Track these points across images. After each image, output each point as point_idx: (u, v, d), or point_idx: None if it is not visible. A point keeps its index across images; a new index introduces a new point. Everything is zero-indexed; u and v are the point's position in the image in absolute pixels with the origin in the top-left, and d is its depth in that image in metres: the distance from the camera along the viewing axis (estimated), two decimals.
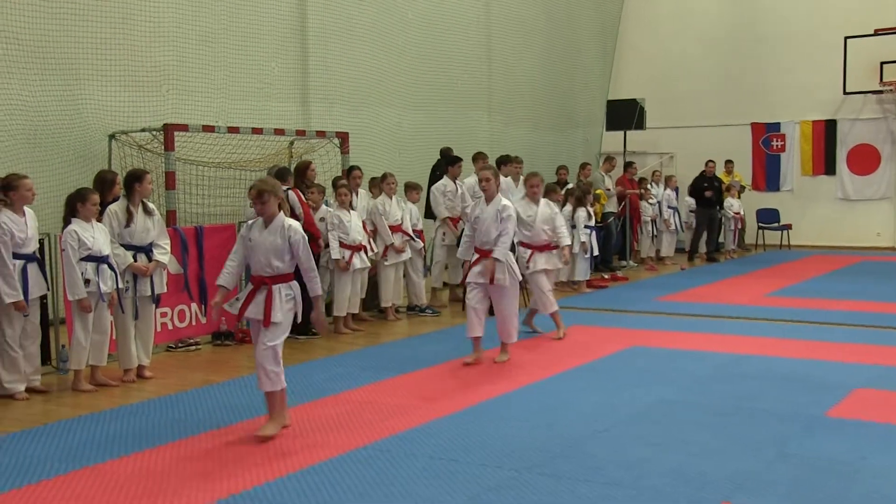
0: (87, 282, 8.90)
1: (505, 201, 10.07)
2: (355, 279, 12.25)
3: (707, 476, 6.14)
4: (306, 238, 7.41)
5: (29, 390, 8.91)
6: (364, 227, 12.56)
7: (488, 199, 10.02)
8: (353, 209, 12.38)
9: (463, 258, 10.46)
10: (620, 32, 26.11)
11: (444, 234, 14.35)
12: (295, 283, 7.43)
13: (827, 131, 23.85)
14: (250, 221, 7.54)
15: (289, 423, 7.42)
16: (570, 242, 12.32)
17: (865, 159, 23.51)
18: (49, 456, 6.89)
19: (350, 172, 13.42)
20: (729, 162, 23.14)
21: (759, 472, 6.26)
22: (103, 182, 9.81)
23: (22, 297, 8.68)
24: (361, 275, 12.53)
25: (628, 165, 20.46)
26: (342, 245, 11.97)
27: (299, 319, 7.59)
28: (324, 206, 12.32)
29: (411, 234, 13.32)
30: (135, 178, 9.55)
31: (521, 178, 16.13)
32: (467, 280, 10.18)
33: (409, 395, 8.56)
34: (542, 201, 11.62)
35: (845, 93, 22.96)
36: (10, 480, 6.32)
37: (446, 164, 15.07)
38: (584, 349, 10.67)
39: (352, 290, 12.23)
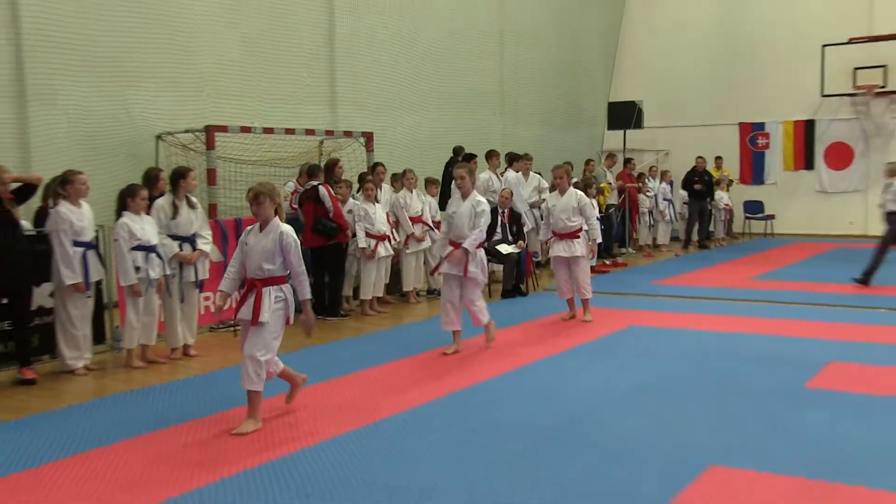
0: (137, 269, 8.97)
1: (479, 197, 9.66)
2: (380, 266, 12.28)
3: (698, 444, 6.14)
4: (299, 243, 6.97)
5: (85, 368, 8.97)
6: (387, 218, 12.57)
7: (464, 196, 9.57)
8: (377, 202, 12.38)
9: (439, 254, 10.04)
10: (621, 40, 26.01)
11: None
12: (287, 286, 7.00)
13: (806, 130, 23.83)
14: (248, 227, 7.15)
15: (260, 425, 6.85)
16: (599, 238, 11.75)
17: (840, 156, 23.51)
18: (105, 427, 6.91)
19: (374, 169, 13.42)
20: (718, 158, 23.11)
21: (744, 438, 6.27)
22: (150, 178, 9.84)
23: (81, 280, 8.74)
24: (385, 262, 12.53)
25: (627, 161, 20.46)
26: (368, 235, 11.99)
27: (290, 321, 7.06)
28: (351, 200, 12.31)
29: (430, 224, 13.28)
30: (180, 175, 9.60)
31: (531, 173, 16.21)
32: (440, 271, 9.83)
33: (427, 371, 8.56)
34: (570, 192, 11.24)
35: (823, 95, 22.96)
36: (71, 447, 6.37)
37: (463, 160, 15.07)
38: (587, 328, 10.69)
39: (377, 275, 12.25)
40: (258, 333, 6.79)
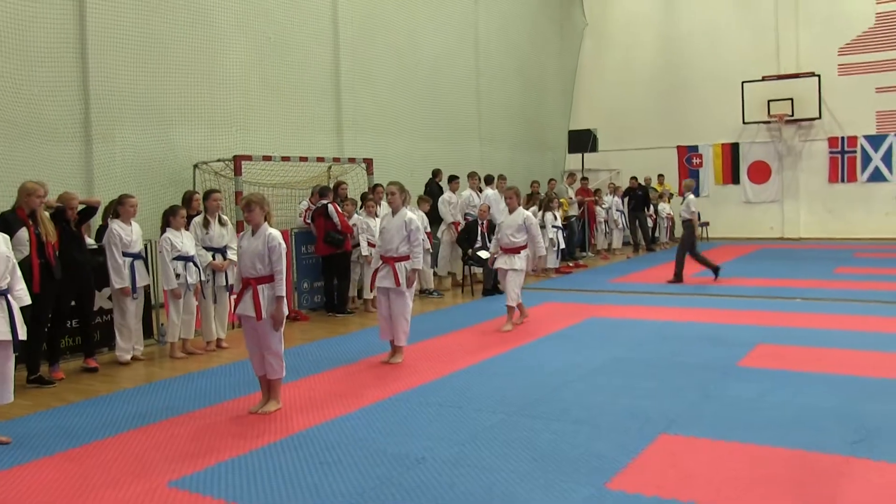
0: (177, 276, 9.05)
1: (410, 214, 8.62)
2: None
3: (649, 414, 6.17)
4: (283, 246, 6.66)
5: (133, 358, 9.02)
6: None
7: (394, 212, 8.58)
8: (377, 216, 12.37)
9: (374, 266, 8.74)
10: (577, 79, 26.07)
11: (445, 233, 14.44)
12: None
13: (732, 151, 23.98)
14: (241, 233, 6.92)
15: (281, 405, 6.72)
16: (544, 252, 11.16)
17: (760, 172, 23.72)
18: (155, 407, 6.95)
19: (374, 189, 13.45)
20: (661, 175, 23.28)
21: (687, 409, 6.30)
22: (186, 200, 10.01)
23: (128, 285, 8.83)
24: None
25: (584, 179, 20.50)
26: (369, 244, 11.97)
27: (285, 314, 6.70)
28: (355, 215, 12.32)
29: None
30: (205, 196, 9.80)
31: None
32: (376, 286, 8.58)
33: (421, 357, 8.56)
34: (518, 211, 10.46)
35: (744, 123, 23.24)
36: (128, 423, 6.42)
37: (449, 180, 15.15)
38: (554, 320, 10.67)
39: None
40: (268, 330, 6.59)
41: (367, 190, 14.08)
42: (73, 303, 8.67)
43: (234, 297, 10.16)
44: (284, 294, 6.68)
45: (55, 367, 8.28)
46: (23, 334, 6.20)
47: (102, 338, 9.34)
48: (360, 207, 12.72)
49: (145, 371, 8.59)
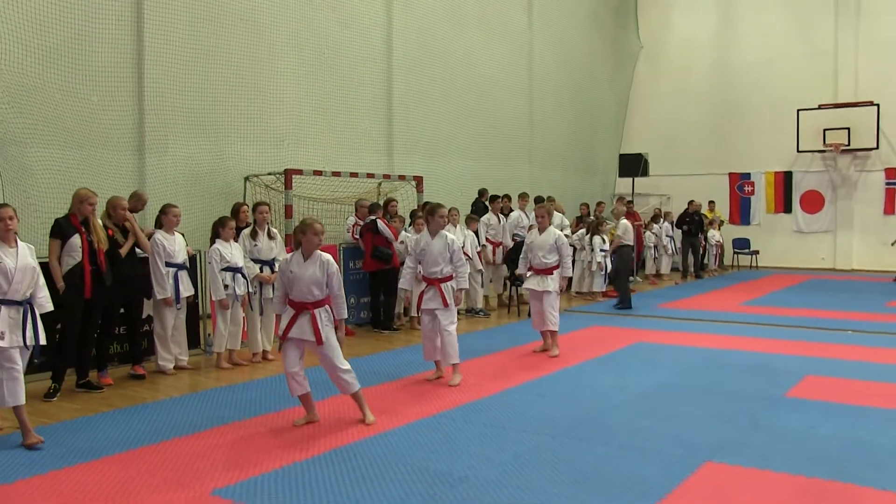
0: (225, 286, 9.10)
1: (451, 235, 8.54)
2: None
3: (695, 440, 6.08)
4: (339, 271, 6.73)
5: (178, 368, 9.08)
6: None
7: (433, 233, 8.45)
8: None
9: (403, 288, 8.92)
10: (630, 102, 25.95)
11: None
12: (328, 307, 6.67)
13: (785, 180, 23.66)
14: (287, 256, 6.83)
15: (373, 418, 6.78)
16: (570, 274, 10.33)
17: (813, 202, 23.37)
18: (200, 416, 7.00)
19: (424, 207, 13.45)
20: (712, 202, 23.01)
21: (734, 438, 6.19)
22: (234, 211, 10.04)
23: (170, 295, 8.86)
24: None
25: (629, 203, 20.22)
26: None
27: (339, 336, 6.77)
28: (404, 232, 12.36)
29: (471, 254, 13.14)
30: (253, 209, 9.84)
31: (555, 212, 16.13)
32: (422, 307, 8.46)
33: (466, 376, 8.49)
34: (550, 230, 9.98)
35: (798, 151, 22.90)
36: (172, 431, 6.46)
37: (490, 200, 15.13)
38: (601, 344, 10.59)
39: None
40: (330, 351, 6.60)
41: (416, 207, 14.12)
42: (121, 310, 8.77)
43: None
44: (346, 317, 6.78)
45: (104, 373, 8.39)
46: (43, 339, 6.40)
47: (149, 346, 9.37)
48: (409, 225, 12.75)
49: (190, 380, 8.65)
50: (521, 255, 10.45)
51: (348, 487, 5.12)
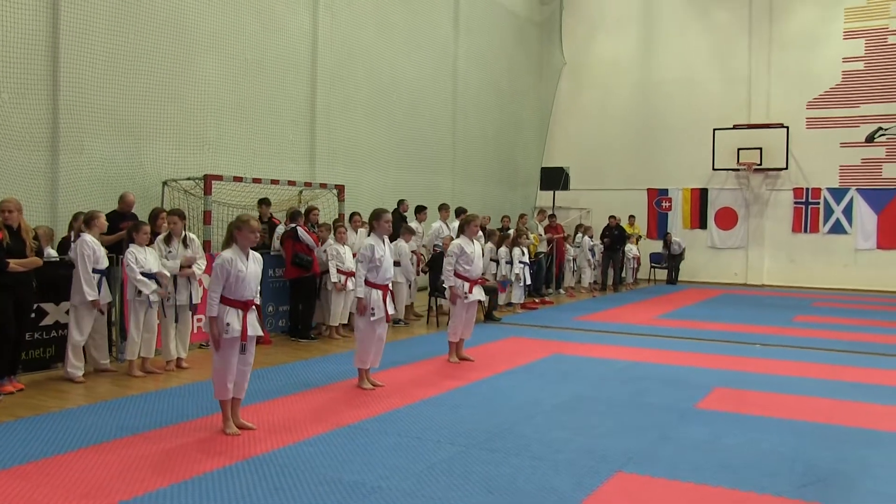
0: (139, 293, 8.94)
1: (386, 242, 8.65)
2: (347, 297, 12.04)
3: (607, 452, 6.17)
4: None
5: (101, 371, 9.05)
6: (355, 257, 12.43)
7: (382, 239, 8.55)
8: (346, 244, 12.32)
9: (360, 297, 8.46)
10: (553, 116, 26.31)
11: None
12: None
13: (701, 196, 24.30)
14: (226, 255, 6.54)
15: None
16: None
17: (727, 218, 24.07)
18: (108, 426, 6.81)
19: (352, 217, 13.48)
20: (631, 217, 23.57)
21: (645, 448, 6.30)
22: (151, 217, 10.03)
23: (98, 297, 8.77)
24: (351, 294, 12.39)
25: (552, 217, 20.51)
26: (339, 271, 11.91)
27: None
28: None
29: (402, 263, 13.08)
30: (168, 215, 9.81)
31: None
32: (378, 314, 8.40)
33: (384, 388, 8.47)
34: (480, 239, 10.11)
35: (714, 169, 23.65)
36: (78, 442, 6.27)
37: (416, 210, 15.14)
38: (518, 356, 10.65)
39: (344, 305, 12.12)
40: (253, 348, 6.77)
41: (337, 216, 14.04)
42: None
43: (198, 316, 10.14)
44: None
45: (3, 381, 8.04)
46: None
47: (58, 352, 9.08)
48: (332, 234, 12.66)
49: (100, 389, 8.41)
50: (447, 266, 10.15)
51: (260, 498, 5.04)
